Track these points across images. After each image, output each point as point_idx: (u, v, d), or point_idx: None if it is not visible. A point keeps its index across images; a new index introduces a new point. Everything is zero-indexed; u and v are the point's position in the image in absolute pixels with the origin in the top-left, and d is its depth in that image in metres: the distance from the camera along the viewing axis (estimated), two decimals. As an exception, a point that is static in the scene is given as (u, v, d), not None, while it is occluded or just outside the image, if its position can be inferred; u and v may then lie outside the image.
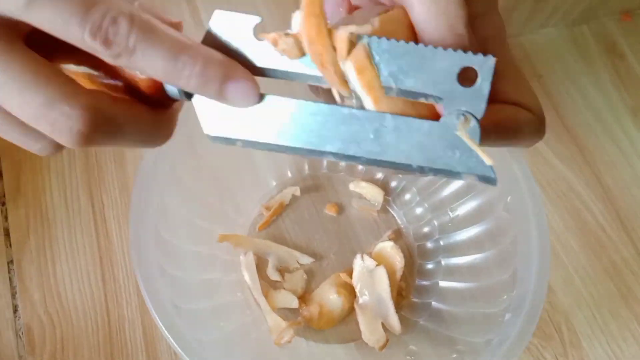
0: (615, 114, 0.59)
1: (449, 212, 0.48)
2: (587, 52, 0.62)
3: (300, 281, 0.47)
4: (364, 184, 0.51)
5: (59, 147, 0.23)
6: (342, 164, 0.52)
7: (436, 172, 0.23)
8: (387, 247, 0.47)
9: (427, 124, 0.22)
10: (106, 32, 0.19)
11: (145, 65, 0.21)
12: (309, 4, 0.22)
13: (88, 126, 0.21)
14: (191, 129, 0.43)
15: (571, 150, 0.57)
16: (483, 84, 0.22)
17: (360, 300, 0.46)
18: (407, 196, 0.51)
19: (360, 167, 0.52)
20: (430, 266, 0.48)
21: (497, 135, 0.24)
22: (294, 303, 0.46)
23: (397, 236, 0.50)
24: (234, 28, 0.23)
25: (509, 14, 0.57)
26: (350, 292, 0.46)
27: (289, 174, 0.52)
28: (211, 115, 0.23)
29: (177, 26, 0.24)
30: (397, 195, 0.51)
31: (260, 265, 0.47)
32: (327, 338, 0.46)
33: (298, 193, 0.51)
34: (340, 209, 0.51)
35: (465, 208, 0.47)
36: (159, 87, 0.23)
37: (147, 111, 0.23)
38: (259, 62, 0.23)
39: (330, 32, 0.22)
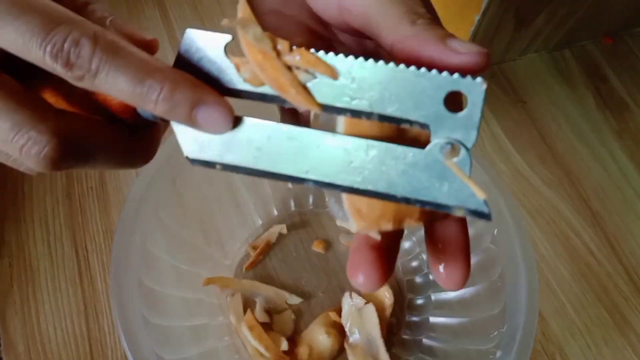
0: (601, 137, 0.59)
1: (437, 246, 0.48)
2: (570, 76, 0.62)
3: (289, 322, 0.47)
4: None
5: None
6: (329, 199, 0.52)
7: (423, 204, 0.21)
8: (375, 284, 0.47)
9: (411, 152, 0.21)
10: (68, 54, 0.19)
11: (109, 88, 0.20)
12: (244, 28, 0.21)
13: (56, 151, 0.20)
14: (174, 171, 0.44)
15: (558, 176, 0.56)
16: (473, 111, 0.20)
17: (351, 340, 0.45)
18: (395, 230, 0.50)
19: (346, 202, 0.52)
20: (420, 301, 0.48)
21: None
22: (284, 345, 0.45)
23: (386, 271, 0.49)
24: (206, 47, 0.21)
25: (489, 41, 0.57)
26: (339, 331, 0.45)
27: (275, 212, 0.51)
28: (191, 137, 0.22)
29: (151, 44, 0.23)
30: (385, 229, 0.51)
31: (248, 307, 0.47)
32: (318, 380, 0.45)
33: (285, 231, 0.50)
34: (328, 245, 0.50)
35: (452, 241, 0.47)
36: (132, 110, 0.22)
37: (121, 134, 0.22)
38: (232, 84, 0.21)
39: (279, 52, 0.21)
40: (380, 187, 0.21)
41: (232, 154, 0.21)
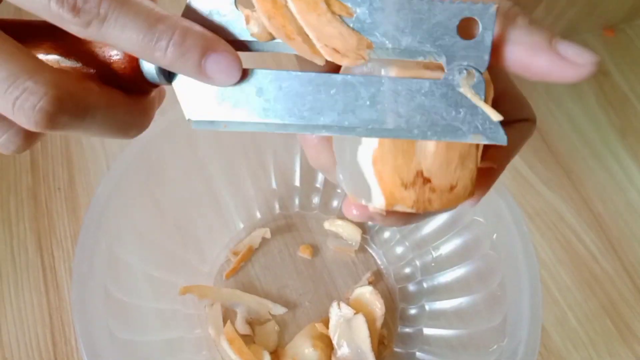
0: (603, 135, 0.56)
1: (432, 251, 0.45)
2: (570, 71, 0.59)
3: (272, 334, 0.43)
4: (339, 221, 0.48)
5: (26, 139, 0.21)
6: (315, 201, 0.49)
7: (440, 135, 0.21)
8: (365, 292, 0.43)
9: (427, 83, 0.21)
10: None
11: (117, 36, 0.19)
12: None
13: (53, 104, 0.19)
14: (148, 167, 0.41)
15: (559, 176, 0.54)
16: (485, 35, 0.20)
17: (339, 353, 0.42)
18: (387, 234, 0.47)
19: (335, 204, 0.49)
20: (413, 311, 0.45)
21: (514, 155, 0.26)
22: (266, 359, 0.42)
23: (377, 278, 0.46)
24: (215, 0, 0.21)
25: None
26: (327, 344, 0.42)
27: (258, 215, 0.48)
28: (193, 97, 0.21)
29: None
30: (376, 233, 0.48)
31: (228, 318, 0.43)
32: (303, 396, 0.42)
33: (268, 235, 0.47)
34: (315, 250, 0.47)
35: (448, 246, 0.44)
36: (135, 68, 0.21)
37: (120, 95, 0.21)
38: (242, 36, 0.21)
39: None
40: (397, 124, 0.21)
41: (238, 109, 0.21)
